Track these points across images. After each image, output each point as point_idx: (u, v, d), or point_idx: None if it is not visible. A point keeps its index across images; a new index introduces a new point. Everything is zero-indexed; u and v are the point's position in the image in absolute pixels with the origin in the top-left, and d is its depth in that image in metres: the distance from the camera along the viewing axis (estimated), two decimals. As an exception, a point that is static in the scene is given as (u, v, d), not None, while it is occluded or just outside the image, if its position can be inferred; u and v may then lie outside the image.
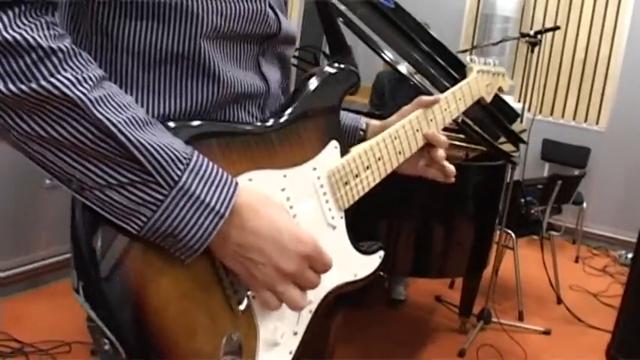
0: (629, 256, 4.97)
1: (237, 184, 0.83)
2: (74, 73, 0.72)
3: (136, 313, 0.79)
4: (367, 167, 1.09)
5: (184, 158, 0.78)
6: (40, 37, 0.70)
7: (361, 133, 1.25)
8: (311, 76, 1.05)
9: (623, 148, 5.65)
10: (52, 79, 0.70)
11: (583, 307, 4.12)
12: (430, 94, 2.59)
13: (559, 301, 4.19)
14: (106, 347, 0.79)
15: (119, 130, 0.74)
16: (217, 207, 0.80)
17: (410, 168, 1.21)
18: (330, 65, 1.08)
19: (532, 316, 3.92)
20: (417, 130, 1.19)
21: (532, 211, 3.84)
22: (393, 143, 1.14)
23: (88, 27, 0.85)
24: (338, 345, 1.42)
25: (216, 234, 0.80)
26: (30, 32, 0.70)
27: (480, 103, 1.42)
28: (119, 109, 0.75)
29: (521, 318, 3.88)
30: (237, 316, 0.88)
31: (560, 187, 3.98)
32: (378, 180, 1.11)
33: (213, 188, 0.80)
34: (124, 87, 0.86)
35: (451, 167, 1.21)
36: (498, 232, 3.54)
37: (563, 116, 5.97)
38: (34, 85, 0.70)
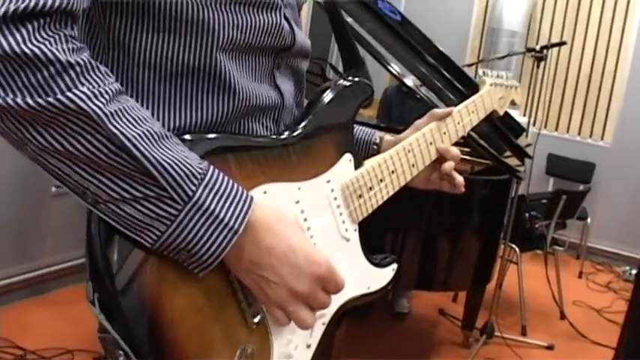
0: (633, 272, 4.97)
1: (252, 199, 0.83)
2: (90, 87, 0.72)
3: (151, 326, 0.79)
4: (381, 180, 1.09)
5: (199, 173, 0.78)
6: (58, 50, 0.70)
7: (375, 147, 1.25)
8: (325, 89, 1.05)
9: (629, 164, 5.65)
10: (69, 93, 0.70)
11: (586, 323, 4.11)
12: (436, 107, 2.60)
13: (562, 316, 4.17)
14: (121, 359, 0.79)
15: (133, 145, 0.74)
16: (231, 223, 0.80)
17: (422, 181, 1.21)
18: (344, 78, 1.09)
19: (535, 331, 3.90)
20: (431, 143, 1.19)
21: (536, 226, 3.84)
22: (406, 156, 1.15)
23: (105, 40, 0.85)
24: (341, 357, 1.42)
25: (230, 249, 0.80)
26: (49, 46, 0.70)
27: (489, 116, 1.42)
28: (134, 123, 0.75)
29: (524, 333, 3.87)
30: (251, 330, 0.88)
31: (564, 202, 3.98)
32: (391, 192, 1.11)
33: (227, 204, 0.80)
34: (139, 99, 0.87)
35: (460, 178, 1.21)
36: (502, 247, 3.54)
37: (568, 131, 5.97)
38: (50, 99, 0.70)
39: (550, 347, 3.72)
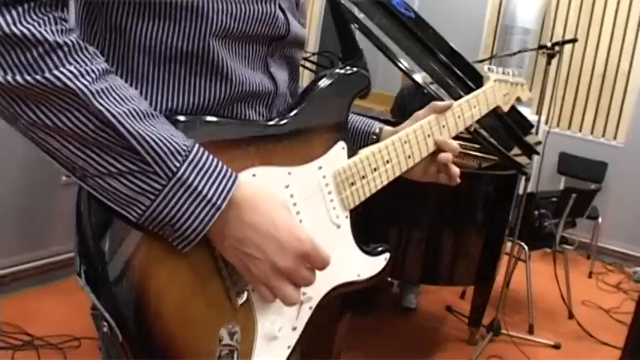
0: (644, 272, 4.94)
1: (236, 176, 0.85)
2: (77, 66, 0.76)
3: (136, 300, 0.81)
4: (375, 169, 1.10)
5: (183, 150, 0.81)
6: (46, 31, 0.74)
7: (374, 137, 1.25)
8: (321, 77, 1.06)
9: (641, 164, 5.61)
10: (56, 72, 0.74)
11: (594, 323, 4.09)
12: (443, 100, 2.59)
13: (570, 315, 4.16)
14: (105, 329, 0.81)
15: (118, 121, 0.77)
16: (214, 199, 0.82)
17: (419, 173, 1.21)
18: (341, 67, 1.09)
19: (542, 329, 3.89)
20: (429, 136, 1.19)
21: (545, 224, 3.82)
22: (402, 147, 1.15)
23: (103, 24, 0.88)
24: (347, 350, 1.43)
25: (213, 225, 0.82)
26: (37, 27, 0.73)
27: (496, 112, 1.42)
28: (120, 101, 0.78)
29: (531, 331, 3.86)
30: (235, 309, 0.90)
31: (574, 201, 3.95)
32: (385, 182, 1.12)
33: (211, 180, 0.82)
34: (135, 82, 0.89)
35: (456, 169, 1.21)
36: (510, 244, 3.53)
37: (580, 130, 5.94)
38: (39, 77, 0.73)
39: (557, 346, 3.70)
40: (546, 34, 5.93)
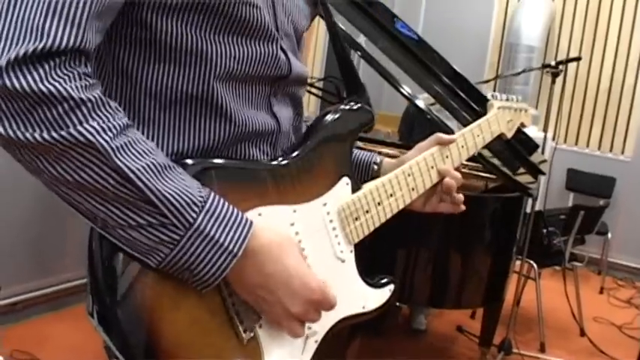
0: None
1: (251, 223, 0.88)
2: (100, 122, 0.77)
3: (147, 339, 0.84)
4: (379, 203, 1.11)
5: (199, 201, 0.84)
6: (72, 88, 0.76)
7: (375, 167, 1.27)
8: (326, 113, 1.08)
9: (650, 178, 5.60)
10: (80, 128, 0.76)
11: (606, 340, 4.06)
12: (447, 127, 2.61)
13: (582, 333, 4.13)
14: None
15: (137, 177, 0.79)
16: (231, 246, 0.85)
17: (420, 204, 1.22)
18: (345, 103, 1.11)
19: (554, 347, 3.87)
20: (432, 167, 1.20)
21: (554, 242, 3.82)
22: (406, 180, 1.16)
23: (110, 68, 0.91)
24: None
25: (230, 271, 0.86)
26: (63, 84, 0.75)
27: (500, 138, 1.43)
28: (139, 156, 0.80)
29: (542, 349, 3.84)
30: (243, 344, 0.92)
31: (582, 218, 3.95)
32: (389, 215, 1.13)
33: (227, 229, 0.85)
34: (141, 125, 0.92)
35: (459, 196, 1.22)
36: (519, 263, 3.52)
37: (588, 145, 5.94)
38: (64, 132, 0.75)
39: (569, 364, 3.69)
40: (551, 50, 5.95)
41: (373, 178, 1.21)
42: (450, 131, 2.50)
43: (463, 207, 1.23)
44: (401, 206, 1.16)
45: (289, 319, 0.91)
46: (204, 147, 0.94)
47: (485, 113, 1.38)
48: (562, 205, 5.23)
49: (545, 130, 3.64)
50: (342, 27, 2.19)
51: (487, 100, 1.42)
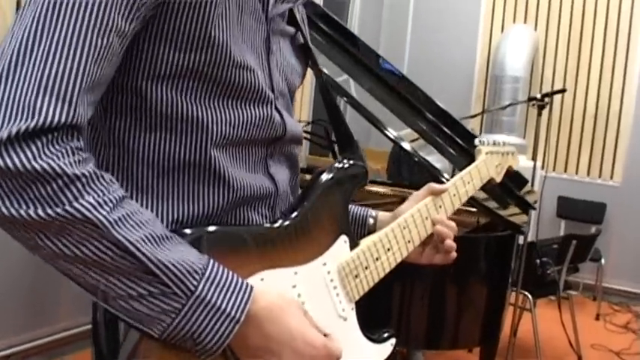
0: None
1: (252, 288, 0.88)
2: (95, 197, 0.78)
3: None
4: (377, 259, 1.13)
5: (200, 269, 0.84)
6: (65, 164, 0.76)
7: (371, 220, 1.28)
8: (321, 173, 1.10)
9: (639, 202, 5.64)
10: (76, 204, 0.76)
11: (605, 367, 4.07)
12: (433, 168, 2.64)
13: (580, 361, 4.14)
14: None
15: (137, 249, 0.80)
16: (232, 313, 0.85)
17: (415, 256, 1.24)
18: (339, 161, 1.13)
19: (553, 377, 3.87)
20: (426, 218, 1.23)
21: (548, 272, 3.83)
22: (402, 232, 1.19)
23: (106, 138, 0.91)
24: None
25: (233, 337, 0.85)
26: (56, 160, 0.76)
27: (490, 183, 1.46)
28: (137, 227, 0.81)
29: (541, 380, 3.84)
30: None
31: (575, 247, 3.97)
32: (388, 270, 1.15)
33: (228, 295, 0.85)
34: (139, 194, 0.92)
35: (452, 243, 1.24)
36: (515, 294, 3.52)
37: (577, 172, 5.99)
38: (59, 210, 0.76)
39: (568, 394, 3.68)
40: (536, 79, 6.03)
41: (370, 232, 1.23)
42: (437, 171, 2.54)
43: (454, 254, 1.25)
44: (398, 259, 1.17)
45: None
46: (203, 213, 0.94)
47: (469, 148, 1.41)
48: (554, 233, 5.26)
49: (534, 158, 3.68)
50: (327, 72, 2.22)
51: (472, 136, 1.45)
